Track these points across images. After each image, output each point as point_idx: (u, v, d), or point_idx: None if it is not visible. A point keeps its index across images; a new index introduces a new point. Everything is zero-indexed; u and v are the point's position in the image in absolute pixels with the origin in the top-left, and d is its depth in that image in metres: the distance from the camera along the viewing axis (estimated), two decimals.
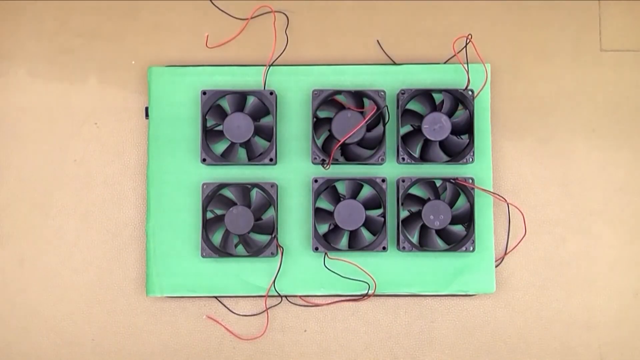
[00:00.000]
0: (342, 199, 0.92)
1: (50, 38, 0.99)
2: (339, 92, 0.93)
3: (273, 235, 0.92)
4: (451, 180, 0.93)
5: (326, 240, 0.93)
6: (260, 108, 0.93)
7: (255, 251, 0.92)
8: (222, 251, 0.92)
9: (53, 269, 0.96)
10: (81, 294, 0.96)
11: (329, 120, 0.92)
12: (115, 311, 0.96)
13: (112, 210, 0.97)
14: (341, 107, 0.93)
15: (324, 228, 0.94)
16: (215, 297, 0.95)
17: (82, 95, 0.98)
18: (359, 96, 0.93)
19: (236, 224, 0.91)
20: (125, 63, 0.98)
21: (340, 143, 0.91)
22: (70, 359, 0.95)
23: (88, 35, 0.99)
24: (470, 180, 0.92)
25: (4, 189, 0.97)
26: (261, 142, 0.94)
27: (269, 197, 0.92)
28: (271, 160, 0.92)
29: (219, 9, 0.99)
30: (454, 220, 0.92)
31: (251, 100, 0.94)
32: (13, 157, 0.97)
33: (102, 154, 0.98)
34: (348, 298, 0.95)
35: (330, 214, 0.92)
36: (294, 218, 0.94)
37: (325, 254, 0.93)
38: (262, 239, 0.93)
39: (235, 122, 0.92)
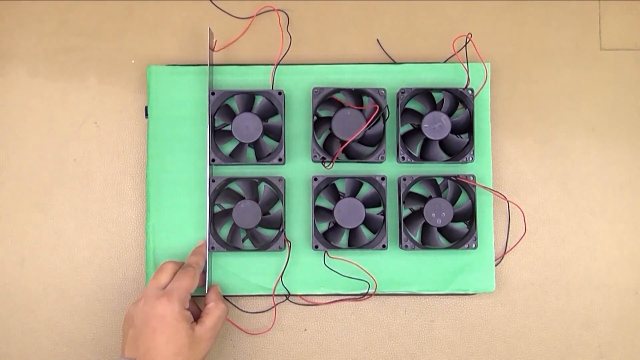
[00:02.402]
0: (341, 197, 0.92)
1: (50, 38, 0.99)
2: (339, 90, 0.93)
3: (281, 230, 0.92)
4: (452, 178, 0.93)
5: (326, 239, 0.93)
6: (269, 108, 0.93)
7: (262, 245, 0.92)
8: (229, 245, 0.92)
9: (53, 268, 0.96)
10: (81, 294, 0.96)
11: (329, 119, 0.92)
12: (116, 310, 0.96)
13: (111, 209, 0.97)
14: (341, 105, 0.93)
15: (323, 226, 0.94)
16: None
17: (82, 94, 0.98)
18: (359, 94, 0.94)
19: (244, 218, 0.91)
20: (125, 62, 0.99)
21: (346, 144, 0.91)
22: (70, 358, 0.95)
23: (88, 35, 0.99)
24: (471, 178, 0.92)
25: (4, 188, 0.97)
26: (269, 142, 0.94)
27: (277, 191, 0.92)
28: (280, 160, 0.92)
29: (219, 9, 0.99)
30: (456, 218, 0.92)
31: (259, 100, 0.94)
32: (13, 157, 0.97)
33: (102, 153, 0.98)
34: (348, 297, 0.95)
35: (330, 212, 0.92)
36: (295, 216, 0.94)
37: (326, 252, 0.93)
38: (270, 233, 0.93)
39: (244, 122, 0.92)
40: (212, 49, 0.95)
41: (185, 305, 0.84)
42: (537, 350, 0.96)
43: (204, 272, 0.91)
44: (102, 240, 0.97)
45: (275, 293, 0.94)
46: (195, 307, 0.89)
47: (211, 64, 0.94)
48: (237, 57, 0.98)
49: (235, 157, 0.93)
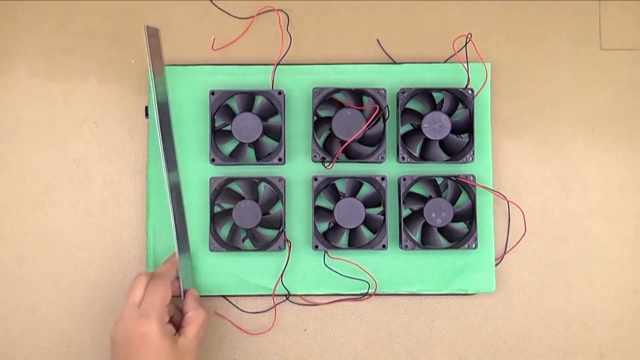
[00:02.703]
0: (341, 197, 0.92)
1: (50, 38, 0.99)
2: (339, 90, 0.93)
3: (281, 230, 0.92)
4: (452, 178, 0.93)
5: (326, 239, 0.93)
6: (269, 108, 0.93)
7: (262, 245, 0.92)
8: (229, 245, 0.92)
9: (53, 268, 0.96)
10: (81, 294, 0.96)
11: (329, 119, 0.92)
12: (116, 310, 0.96)
13: (111, 209, 0.97)
14: (341, 105, 0.93)
15: (323, 226, 0.94)
16: (220, 295, 0.95)
17: (82, 94, 0.98)
18: (359, 94, 0.94)
19: (244, 218, 0.91)
20: (125, 62, 0.98)
21: (345, 144, 0.91)
22: (70, 358, 0.95)
23: (88, 35, 0.99)
24: (472, 178, 0.92)
25: (4, 188, 0.97)
26: (269, 142, 0.94)
27: (277, 191, 0.92)
28: (280, 160, 0.92)
29: (219, 8, 0.99)
30: (456, 218, 0.92)
31: (259, 100, 0.94)
32: (13, 157, 0.97)
33: (102, 153, 0.98)
34: (348, 297, 0.95)
35: (330, 212, 0.92)
36: (295, 216, 0.94)
37: (326, 252, 0.93)
38: (270, 233, 0.93)
39: (243, 122, 0.92)
40: (151, 47, 0.90)
41: (164, 320, 0.83)
42: (537, 350, 0.96)
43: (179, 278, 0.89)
44: (102, 240, 0.97)
45: (275, 293, 0.94)
46: (178, 314, 0.88)
47: (154, 69, 0.90)
48: (237, 57, 0.98)
49: (235, 157, 0.93)
